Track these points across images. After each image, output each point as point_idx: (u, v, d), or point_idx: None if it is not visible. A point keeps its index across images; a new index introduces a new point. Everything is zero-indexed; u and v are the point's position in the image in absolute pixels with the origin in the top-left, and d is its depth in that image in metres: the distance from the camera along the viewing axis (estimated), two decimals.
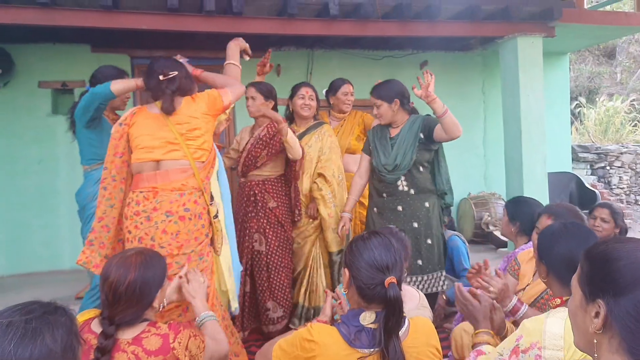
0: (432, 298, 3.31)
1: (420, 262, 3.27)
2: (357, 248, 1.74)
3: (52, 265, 5.05)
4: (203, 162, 2.48)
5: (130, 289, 1.76)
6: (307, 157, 3.63)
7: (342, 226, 3.43)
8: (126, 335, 1.76)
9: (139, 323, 1.80)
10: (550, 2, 5.16)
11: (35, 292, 4.24)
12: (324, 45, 5.74)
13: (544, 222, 2.50)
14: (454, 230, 4.34)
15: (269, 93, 3.54)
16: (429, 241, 3.32)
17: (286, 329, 3.47)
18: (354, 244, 1.77)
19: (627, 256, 1.05)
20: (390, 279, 1.64)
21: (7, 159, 5.07)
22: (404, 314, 1.70)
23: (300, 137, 3.65)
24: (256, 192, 3.49)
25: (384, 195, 3.37)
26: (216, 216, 2.52)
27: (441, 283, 3.36)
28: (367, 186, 3.57)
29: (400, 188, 3.33)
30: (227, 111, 3.00)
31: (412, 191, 3.34)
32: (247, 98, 3.53)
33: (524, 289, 2.56)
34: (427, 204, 3.35)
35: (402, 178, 3.32)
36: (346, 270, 1.77)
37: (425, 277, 3.30)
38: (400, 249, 1.74)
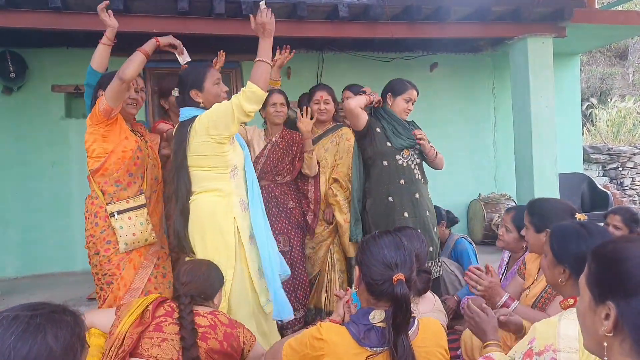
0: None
1: (431, 248, 3.39)
2: (368, 246, 1.77)
3: (65, 267, 5.10)
4: (96, 168, 2.71)
5: (205, 274, 2.25)
6: (323, 162, 3.66)
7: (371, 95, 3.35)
8: (204, 310, 2.15)
9: (210, 307, 2.21)
10: (561, 2, 5.12)
11: (48, 293, 4.28)
12: (333, 47, 5.75)
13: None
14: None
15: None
16: (435, 229, 3.50)
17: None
18: (365, 243, 1.80)
19: (636, 256, 1.02)
20: (398, 276, 1.65)
21: (20, 162, 5.13)
22: (413, 314, 1.71)
23: (317, 139, 3.68)
24: (277, 194, 3.54)
25: (402, 181, 3.38)
26: (112, 214, 2.70)
27: (438, 268, 3.50)
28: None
29: (417, 177, 3.45)
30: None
31: (422, 181, 3.50)
32: (274, 104, 3.58)
33: (529, 287, 2.58)
34: (429, 194, 3.56)
35: (416, 168, 3.45)
36: (357, 268, 1.79)
37: (433, 263, 3.41)
38: (411, 249, 1.75)
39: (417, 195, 3.40)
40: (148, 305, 2.10)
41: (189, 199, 2.67)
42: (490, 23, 5.10)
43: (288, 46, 3.61)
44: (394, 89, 3.50)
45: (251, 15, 2.74)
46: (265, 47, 2.67)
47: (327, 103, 3.68)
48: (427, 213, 3.43)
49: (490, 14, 4.97)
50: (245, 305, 2.68)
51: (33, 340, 1.13)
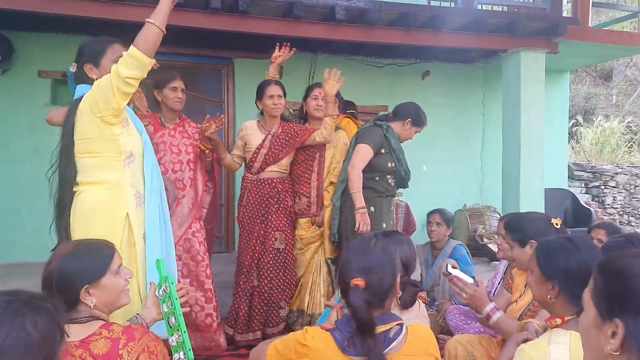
0: None
1: None
2: (347, 248, 1.76)
3: (41, 256, 4.90)
4: None
5: (49, 279, 1.65)
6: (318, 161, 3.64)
7: (363, 223, 3.30)
8: (74, 337, 1.58)
9: (88, 322, 1.65)
10: (556, 18, 5.20)
11: (22, 282, 4.15)
12: (327, 50, 5.72)
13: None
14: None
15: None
16: None
17: (286, 330, 3.46)
18: (346, 246, 1.78)
19: None
20: (355, 281, 1.59)
21: (1, 147, 5.00)
22: (401, 322, 1.65)
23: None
24: (279, 189, 3.49)
25: (385, 195, 3.53)
26: None
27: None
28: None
29: (395, 193, 3.65)
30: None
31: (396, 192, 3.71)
32: (272, 96, 3.49)
33: (516, 301, 2.57)
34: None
35: (395, 186, 3.63)
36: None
37: None
38: (387, 254, 1.67)
39: (392, 208, 3.63)
40: None
41: (72, 189, 2.34)
42: (485, 34, 5.13)
43: (288, 44, 3.59)
44: (415, 119, 3.60)
45: None
46: (162, 8, 2.24)
47: (325, 100, 3.64)
48: (391, 222, 3.65)
49: (485, 25, 5.00)
50: (129, 316, 2.09)
51: (10, 326, 1.08)
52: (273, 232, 3.46)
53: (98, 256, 1.77)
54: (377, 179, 3.48)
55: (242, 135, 3.58)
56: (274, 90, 3.48)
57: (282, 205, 3.50)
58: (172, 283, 1.95)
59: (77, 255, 1.73)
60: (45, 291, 1.66)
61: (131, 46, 2.19)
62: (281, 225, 3.49)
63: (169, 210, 3.17)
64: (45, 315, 1.14)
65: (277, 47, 3.60)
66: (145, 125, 2.86)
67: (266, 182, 3.50)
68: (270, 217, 3.47)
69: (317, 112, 3.62)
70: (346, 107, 4.28)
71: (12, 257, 4.97)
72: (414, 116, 3.58)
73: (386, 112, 3.79)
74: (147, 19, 2.21)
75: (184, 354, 1.85)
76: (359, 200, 3.33)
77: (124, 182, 2.32)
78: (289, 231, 3.52)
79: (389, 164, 3.48)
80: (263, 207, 3.48)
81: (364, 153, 3.41)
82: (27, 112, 5.05)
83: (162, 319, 1.95)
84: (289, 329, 3.52)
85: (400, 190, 4.03)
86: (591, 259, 1.65)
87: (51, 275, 1.66)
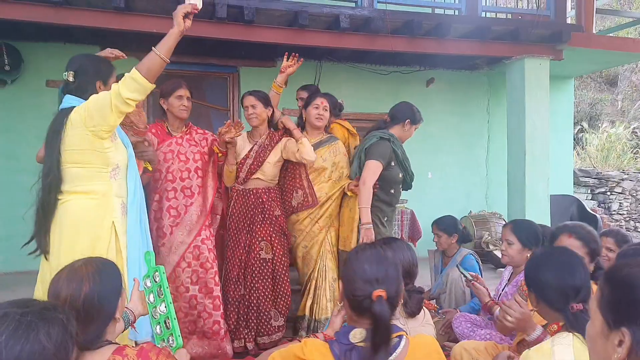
0: None
1: None
2: (350, 259, 1.70)
3: None
4: None
5: (88, 303, 1.54)
6: (320, 169, 3.62)
7: (367, 239, 3.30)
8: None
9: (102, 347, 1.55)
10: (560, 25, 5.21)
11: (31, 290, 4.17)
12: (332, 58, 5.76)
13: (565, 241, 2.52)
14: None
15: (268, 100, 3.55)
16: None
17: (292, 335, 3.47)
18: (349, 257, 1.74)
19: None
20: (378, 292, 1.56)
21: (10, 155, 5.06)
22: (401, 333, 1.61)
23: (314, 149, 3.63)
24: (264, 199, 3.47)
25: (393, 205, 3.63)
26: None
27: None
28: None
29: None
30: None
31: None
32: (246, 107, 3.52)
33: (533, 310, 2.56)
34: None
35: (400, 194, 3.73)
36: (340, 282, 1.73)
37: None
38: (397, 262, 1.67)
39: (395, 214, 3.77)
40: None
41: (57, 196, 2.37)
42: (489, 42, 5.16)
43: (297, 54, 3.60)
44: (412, 118, 3.63)
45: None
46: (169, 40, 2.31)
47: (326, 110, 3.64)
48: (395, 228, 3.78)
49: (489, 32, 5.03)
50: None
51: (25, 339, 1.10)
52: (258, 243, 3.45)
53: (116, 269, 1.76)
54: (393, 191, 3.54)
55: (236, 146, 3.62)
56: (247, 101, 3.53)
57: (267, 215, 3.48)
58: (163, 272, 2.03)
59: (104, 272, 1.67)
60: (79, 314, 1.51)
61: (134, 70, 2.27)
62: (266, 235, 3.47)
63: (178, 217, 3.22)
64: (58, 326, 1.16)
65: (285, 57, 3.61)
66: (141, 142, 2.93)
67: (251, 193, 3.50)
68: (255, 228, 3.46)
69: (317, 121, 3.61)
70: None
71: (20, 265, 4.99)
72: (411, 115, 3.64)
73: (383, 119, 3.76)
74: (153, 48, 2.28)
75: (173, 339, 1.89)
76: (365, 215, 3.35)
77: (110, 192, 2.40)
78: (276, 241, 3.49)
79: (400, 175, 3.55)
80: (249, 217, 3.48)
81: (375, 169, 3.44)
82: (35, 121, 5.10)
83: (148, 312, 1.99)
84: (296, 334, 3.53)
85: (406, 197, 4.06)
86: (568, 272, 1.75)
87: (90, 296, 1.56)
